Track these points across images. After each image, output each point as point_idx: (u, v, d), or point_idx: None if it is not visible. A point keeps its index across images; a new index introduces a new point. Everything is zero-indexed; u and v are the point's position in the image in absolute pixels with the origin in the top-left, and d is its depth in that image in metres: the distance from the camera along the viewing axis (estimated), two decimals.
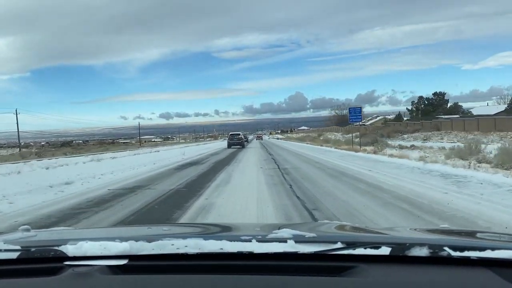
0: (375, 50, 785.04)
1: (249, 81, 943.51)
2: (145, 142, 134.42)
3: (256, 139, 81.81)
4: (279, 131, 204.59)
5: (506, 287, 0.88)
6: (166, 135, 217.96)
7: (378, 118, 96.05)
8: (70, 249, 1.04)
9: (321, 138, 51.73)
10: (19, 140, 50.77)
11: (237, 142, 35.52)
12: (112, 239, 1.07)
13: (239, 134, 38.69)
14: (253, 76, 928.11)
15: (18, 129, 49.87)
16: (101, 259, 0.99)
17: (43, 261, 1.04)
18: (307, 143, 41.58)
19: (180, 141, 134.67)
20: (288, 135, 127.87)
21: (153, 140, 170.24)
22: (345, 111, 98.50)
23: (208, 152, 29.04)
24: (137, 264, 0.99)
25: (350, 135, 58.19)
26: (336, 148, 26.70)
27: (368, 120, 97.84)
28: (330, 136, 60.61)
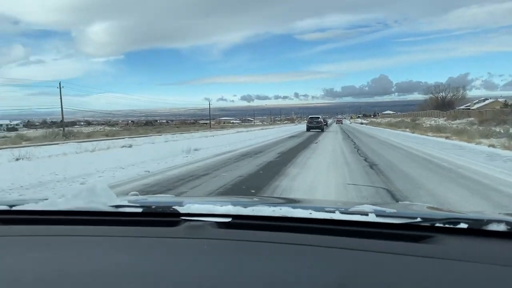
0: (470, 29, 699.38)
1: (330, 64, 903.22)
2: (223, 123, 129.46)
3: (336, 123, 75.55)
4: (360, 115, 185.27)
5: None
6: (246, 117, 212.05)
7: (488, 101, 74.92)
8: (182, 208, 1.21)
9: (424, 125, 37.06)
10: (62, 117, 43.55)
11: (316, 125, 34.51)
12: (214, 203, 1.27)
13: (319, 117, 37.06)
14: (334, 58, 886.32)
15: (61, 105, 42.50)
16: (209, 217, 1.15)
17: (162, 216, 1.23)
18: (413, 132, 27.41)
19: (257, 123, 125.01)
20: (372, 119, 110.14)
21: (231, 121, 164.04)
22: (444, 93, 79.28)
23: (264, 142, 18.20)
24: (239, 222, 1.14)
25: (459, 121, 43.26)
26: None
27: (474, 104, 77.37)
28: (430, 122, 45.46)
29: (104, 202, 1.27)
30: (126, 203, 1.30)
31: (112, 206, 1.27)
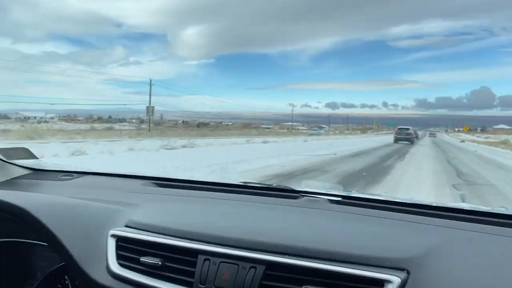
0: None
1: (425, 73, 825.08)
2: (297, 129, 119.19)
3: (429, 137, 68.88)
4: (459, 129, 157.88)
5: None
6: (316, 124, 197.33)
7: None
8: (301, 187, 1.53)
9: None
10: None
11: (406, 137, 32.24)
12: (329, 187, 1.58)
13: (409, 129, 35.08)
14: (430, 67, 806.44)
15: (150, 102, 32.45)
16: (324, 195, 1.44)
17: (283, 191, 1.55)
18: None
19: (330, 132, 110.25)
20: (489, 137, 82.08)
21: (297, 128, 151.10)
22: None
23: None
24: (347, 201, 1.41)
25: None
26: None
27: None
28: None
29: (235, 178, 1.64)
30: (251, 181, 1.73)
31: (241, 182, 1.72)
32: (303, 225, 1.23)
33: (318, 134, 60.22)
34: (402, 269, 0.95)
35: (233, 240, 1.08)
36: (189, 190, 1.65)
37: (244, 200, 1.48)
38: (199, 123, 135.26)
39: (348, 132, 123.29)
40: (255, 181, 1.76)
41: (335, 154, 15.20)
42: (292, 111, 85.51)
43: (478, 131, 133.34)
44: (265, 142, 25.93)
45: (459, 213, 1.32)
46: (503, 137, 68.97)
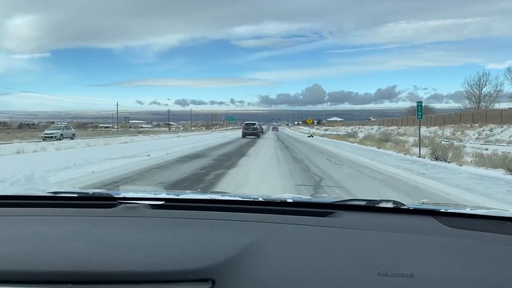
0: (399, 44, 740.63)
1: (266, 71, 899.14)
2: (133, 127, 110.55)
3: (272, 130, 76.80)
4: (299, 122, 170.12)
5: (439, 226, 1.22)
6: (164, 122, 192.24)
7: None
8: (120, 194, 1.40)
9: None
10: None
11: (252, 132, 34.69)
12: (149, 191, 1.48)
13: (255, 124, 37.25)
14: (271, 66, 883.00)
15: None
16: (145, 200, 1.35)
17: (99, 199, 1.44)
18: None
19: (169, 130, 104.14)
20: (329, 129, 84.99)
21: (140, 126, 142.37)
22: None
23: None
24: (171, 204, 1.35)
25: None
26: None
27: None
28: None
29: (42, 189, 1.48)
30: (64, 191, 1.51)
31: (50, 192, 1.47)
32: (113, 241, 1.06)
33: (60, 138, 33.71)
34: (206, 280, 0.85)
35: (26, 274, 0.85)
36: None
37: (52, 215, 1.29)
38: (21, 124, 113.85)
39: (194, 128, 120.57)
40: (68, 190, 1.57)
41: None
42: (116, 107, 76.55)
43: (315, 123, 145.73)
44: None
45: (285, 206, 1.36)
46: (342, 129, 74.47)
